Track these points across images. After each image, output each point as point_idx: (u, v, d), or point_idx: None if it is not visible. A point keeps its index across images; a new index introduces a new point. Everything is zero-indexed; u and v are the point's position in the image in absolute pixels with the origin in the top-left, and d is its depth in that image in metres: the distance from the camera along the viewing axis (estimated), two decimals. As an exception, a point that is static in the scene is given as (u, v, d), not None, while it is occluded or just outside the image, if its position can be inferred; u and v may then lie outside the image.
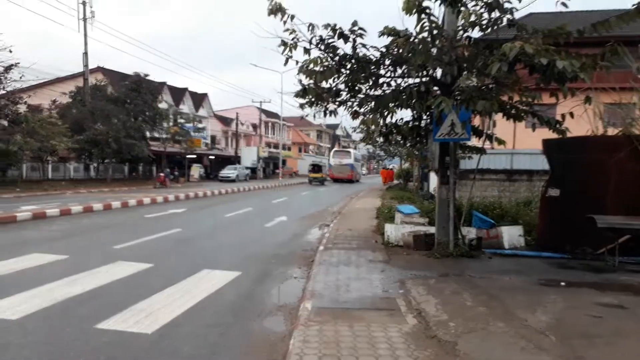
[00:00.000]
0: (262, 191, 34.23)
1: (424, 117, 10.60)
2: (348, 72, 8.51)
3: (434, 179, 28.16)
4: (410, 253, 9.55)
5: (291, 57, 7.61)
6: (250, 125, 68.90)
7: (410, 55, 7.48)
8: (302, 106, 9.91)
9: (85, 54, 38.68)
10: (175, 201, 22.17)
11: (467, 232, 9.91)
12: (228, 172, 46.83)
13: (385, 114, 8.81)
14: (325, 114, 9.66)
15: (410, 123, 10.89)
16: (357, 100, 9.89)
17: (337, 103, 9.62)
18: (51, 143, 26.63)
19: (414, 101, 8.57)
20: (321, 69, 8.14)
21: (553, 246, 9.33)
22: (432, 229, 10.65)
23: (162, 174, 35.09)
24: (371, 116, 8.26)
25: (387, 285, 6.90)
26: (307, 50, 7.63)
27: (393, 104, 8.51)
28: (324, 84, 8.64)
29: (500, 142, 10.22)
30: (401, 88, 8.81)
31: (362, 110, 10.31)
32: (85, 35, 38.53)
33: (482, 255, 9.11)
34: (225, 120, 64.35)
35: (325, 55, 8.00)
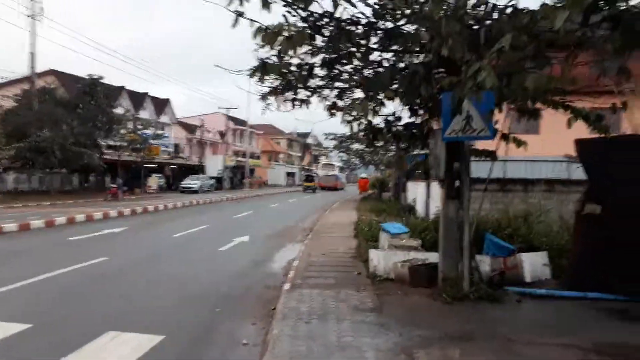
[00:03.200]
0: (225, 203, 31.34)
1: (419, 111, 8.29)
2: (326, 39, 5.99)
3: (412, 190, 25.97)
4: (407, 292, 7.05)
5: (242, 14, 5.00)
6: (217, 133, 65.67)
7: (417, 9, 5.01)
8: (264, 97, 7.39)
9: (32, 54, 35.18)
10: (118, 217, 19.09)
11: (478, 263, 7.48)
12: (190, 182, 43.62)
13: (379, 101, 6.33)
14: (293, 104, 7.14)
15: (403, 119, 8.54)
16: (336, 89, 7.45)
17: (309, 90, 7.12)
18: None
19: (417, 85, 6.11)
20: (287, 35, 5.58)
21: (594, 282, 6.97)
22: (431, 257, 8.20)
23: (113, 186, 31.78)
24: (360, 103, 5.72)
25: (389, 363, 4.38)
26: (266, 3, 5.04)
27: (389, 88, 6.04)
28: (292, 58, 6.11)
29: (520, 143, 7.84)
30: (401, 66, 6.36)
31: (341, 102, 7.82)
32: (34, 33, 35.11)
33: (506, 297, 6.68)
34: (189, 128, 60.97)
35: (293, 11, 5.44)
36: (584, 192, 7.58)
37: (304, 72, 6.39)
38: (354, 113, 7.07)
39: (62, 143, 29.46)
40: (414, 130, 8.39)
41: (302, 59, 6.29)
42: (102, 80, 37.04)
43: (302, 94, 7.13)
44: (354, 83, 7.18)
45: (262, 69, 5.73)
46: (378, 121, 8.29)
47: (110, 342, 5.08)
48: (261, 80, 6.00)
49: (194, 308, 6.58)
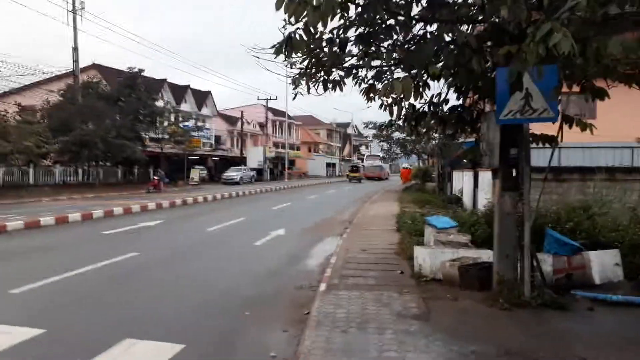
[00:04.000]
0: (264, 195, 31.05)
1: (469, 92, 7.43)
2: (360, 9, 5.23)
3: (458, 180, 24.73)
4: (458, 296, 6.25)
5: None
6: (257, 125, 65.73)
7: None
8: (294, 81, 6.70)
9: (75, 48, 35.80)
10: (156, 210, 18.94)
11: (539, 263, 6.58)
12: (231, 174, 43.67)
13: (424, 78, 5.54)
14: (325, 87, 6.42)
15: (449, 102, 7.68)
16: (373, 68, 6.68)
17: (343, 69, 6.38)
18: (24, 144, 23.65)
19: (468, 59, 5.27)
20: (315, 3, 4.87)
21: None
22: (483, 255, 7.36)
23: (155, 178, 32.03)
24: (401, 81, 4.93)
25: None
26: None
27: (435, 63, 5.23)
28: (322, 33, 5.39)
29: (585, 126, 6.83)
30: (447, 40, 5.52)
31: (380, 85, 7.04)
32: (75, 28, 35.73)
33: (575, 303, 5.77)
34: (230, 120, 61.25)
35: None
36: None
37: (336, 49, 5.65)
38: (394, 95, 6.27)
39: (104, 136, 29.84)
40: (462, 114, 7.54)
41: (333, 34, 5.56)
42: (142, 74, 37.47)
43: (335, 74, 6.38)
44: (394, 61, 6.38)
45: (287, 46, 5.04)
46: (421, 105, 7.53)
47: (126, 353, 4.57)
48: (287, 58, 5.31)
49: (221, 311, 6.04)
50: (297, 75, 6.63)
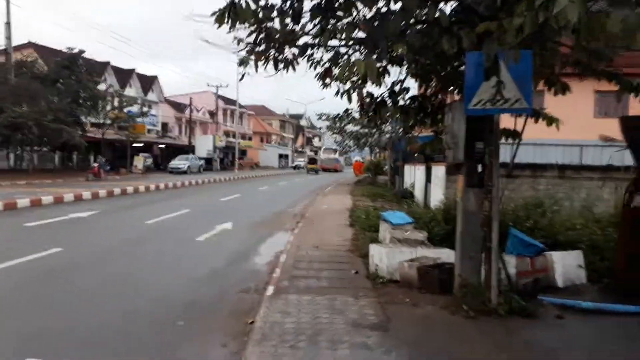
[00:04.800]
0: (213, 185, 29.87)
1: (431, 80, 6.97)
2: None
3: (410, 174, 24.56)
4: (417, 301, 5.73)
5: None
6: (206, 113, 63.78)
7: None
8: (242, 61, 5.92)
9: (8, 23, 33.20)
10: (91, 200, 17.52)
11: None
12: (178, 162, 41.98)
13: (383, 64, 4.93)
14: (276, 65, 5.70)
15: (409, 90, 7.19)
16: (331, 48, 6.03)
17: (297, 46, 5.69)
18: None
19: (436, 39, 4.69)
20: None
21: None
22: (443, 255, 6.91)
23: (95, 165, 30.18)
24: (364, 60, 4.27)
25: None
26: None
27: (400, 40, 4.61)
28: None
29: (552, 120, 6.46)
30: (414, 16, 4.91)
31: (337, 69, 6.40)
32: (8, 1, 33.06)
33: (542, 310, 5.37)
34: (178, 107, 59.09)
35: None
36: (632, 181, 6.25)
37: (288, 21, 4.95)
38: (355, 77, 5.65)
39: (39, 119, 27.72)
40: (423, 104, 7.03)
41: (285, 3, 4.85)
42: (84, 55, 35.21)
43: (288, 52, 5.67)
44: (353, 41, 5.75)
45: (230, 13, 4.29)
46: (380, 93, 6.96)
47: (24, 379, 3.72)
48: (231, 28, 4.55)
49: (150, 323, 5.22)
50: (245, 53, 5.88)
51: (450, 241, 8.01)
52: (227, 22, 4.39)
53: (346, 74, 6.35)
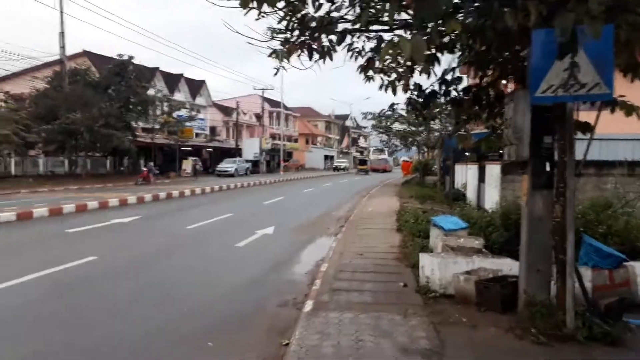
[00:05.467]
0: (258, 188, 29.71)
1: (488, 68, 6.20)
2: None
3: (461, 174, 23.37)
4: (476, 321, 4.98)
5: None
6: (253, 116, 64.25)
7: None
8: (273, 53, 5.40)
9: (62, 33, 34.37)
10: (136, 204, 17.53)
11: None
12: (226, 165, 42.28)
13: (436, 42, 4.22)
14: (310, 55, 5.11)
15: (462, 80, 6.48)
16: (372, 33, 5.42)
17: (334, 32, 5.08)
18: (1, 133, 22.30)
19: (496, 15, 3.96)
20: None
21: None
22: (504, 266, 6.11)
23: (144, 169, 30.70)
24: (412, 39, 3.60)
25: None
26: None
27: (453, 18, 3.90)
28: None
29: (632, 110, 5.50)
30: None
31: (378, 58, 5.76)
32: (62, 12, 34.25)
33: (629, 335, 4.50)
34: (225, 110, 59.74)
35: None
36: None
37: (322, 0, 4.35)
38: (400, 60, 4.98)
39: (91, 125, 28.45)
40: (479, 95, 6.26)
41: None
42: (133, 61, 36.01)
43: (325, 39, 5.07)
44: (398, 24, 5.09)
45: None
46: (428, 85, 6.25)
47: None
48: (259, 12, 4.00)
49: (178, 340, 4.76)
50: (278, 45, 5.34)
51: (511, 250, 7.19)
52: (253, 3, 3.83)
53: (388, 59, 5.74)
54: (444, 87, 6.11)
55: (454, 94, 6.16)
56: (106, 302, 5.94)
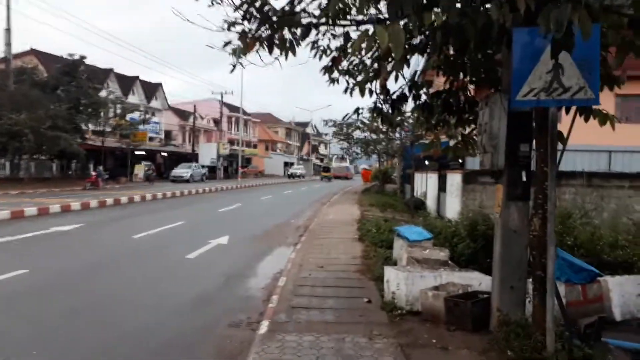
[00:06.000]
0: (214, 194, 28.79)
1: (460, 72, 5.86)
2: None
3: (421, 182, 23.34)
4: (447, 342, 4.59)
5: None
6: (211, 120, 62.91)
7: None
8: (234, 51, 4.88)
9: (8, 30, 32.44)
10: (80, 211, 16.37)
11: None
12: (180, 171, 40.90)
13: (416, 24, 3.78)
14: (271, 48, 4.62)
15: (432, 84, 6.18)
16: (340, 29, 5.02)
17: (298, 25, 4.62)
18: None
19: (478, 4, 3.59)
20: None
21: None
22: (473, 280, 5.77)
23: (93, 173, 29.23)
24: (390, 27, 3.13)
25: None
26: None
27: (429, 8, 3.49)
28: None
29: (606, 119, 5.26)
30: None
31: (351, 46, 5.35)
32: (9, 7, 32.37)
33: (610, 357, 4.19)
34: (182, 114, 58.21)
35: None
36: None
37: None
38: (371, 51, 4.52)
39: (36, 127, 26.80)
40: (449, 100, 5.92)
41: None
42: (86, 62, 34.41)
43: (287, 33, 4.57)
44: (367, 20, 4.66)
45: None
46: (396, 89, 5.88)
47: None
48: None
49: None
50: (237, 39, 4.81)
51: (479, 262, 6.89)
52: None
53: (354, 60, 5.32)
54: (413, 91, 5.77)
55: (423, 98, 5.82)
56: (32, 324, 5.17)
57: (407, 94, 5.67)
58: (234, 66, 5.28)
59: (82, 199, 18.43)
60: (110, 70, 42.92)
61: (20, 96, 28.62)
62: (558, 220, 8.33)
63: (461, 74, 5.78)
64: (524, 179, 4.72)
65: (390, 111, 6.06)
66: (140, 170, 38.05)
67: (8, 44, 32.43)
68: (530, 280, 4.59)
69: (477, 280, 5.78)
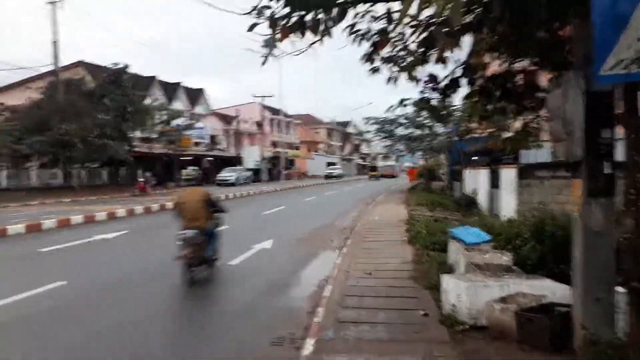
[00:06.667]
0: (259, 197, 28.68)
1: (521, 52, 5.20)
2: None
3: (472, 179, 22.22)
4: (522, 366, 3.91)
5: None
6: (254, 124, 63.37)
7: None
8: (267, 44, 4.44)
9: (55, 42, 33.58)
10: (126, 217, 16.43)
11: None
12: (226, 174, 41.24)
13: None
14: (302, 32, 4.12)
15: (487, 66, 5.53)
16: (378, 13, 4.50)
17: (333, 6, 4.09)
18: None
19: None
20: None
21: None
22: (546, 289, 5.05)
23: (141, 180, 29.75)
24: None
25: None
26: None
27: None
28: None
29: None
30: None
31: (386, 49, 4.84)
32: (55, 20, 33.49)
33: None
34: (226, 119, 58.83)
35: None
36: None
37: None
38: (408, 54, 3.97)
39: (84, 135, 27.53)
40: (506, 84, 5.25)
41: None
42: (130, 70, 35.17)
43: (323, 16, 4.05)
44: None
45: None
46: (446, 75, 5.24)
47: None
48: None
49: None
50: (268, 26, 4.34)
51: (548, 267, 6.15)
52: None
53: (398, 43, 4.76)
54: (467, 75, 5.11)
55: (480, 82, 5.16)
56: (65, 345, 4.87)
57: (460, 78, 5.02)
58: (266, 58, 4.81)
59: (128, 205, 18.57)
60: (154, 77, 43.80)
61: (68, 107, 29.49)
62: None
63: (520, 54, 5.12)
64: (607, 170, 4.00)
65: (440, 100, 5.46)
66: (188, 174, 38.48)
67: (56, 56, 33.62)
68: (621, 290, 3.90)
69: (550, 290, 5.05)
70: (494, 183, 16.18)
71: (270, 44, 4.56)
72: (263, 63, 5.18)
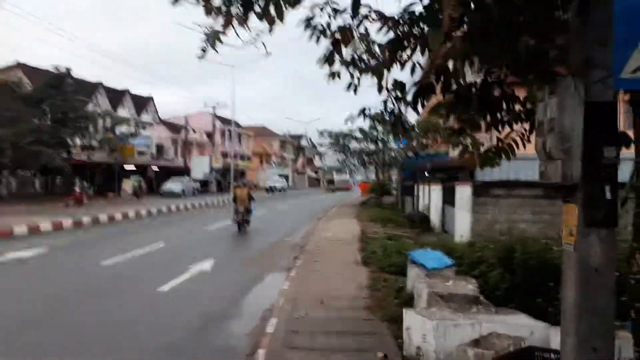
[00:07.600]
0: (204, 210, 27.28)
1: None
2: None
3: (424, 195, 21.90)
4: None
5: None
6: (203, 134, 61.51)
7: None
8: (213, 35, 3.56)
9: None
10: (51, 231, 14.73)
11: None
12: (171, 185, 39.33)
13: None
14: (246, 14, 3.28)
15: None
16: None
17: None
18: None
19: None
20: None
21: None
22: (522, 328, 4.37)
23: (77, 189, 27.72)
24: None
25: None
26: None
27: None
28: None
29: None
30: None
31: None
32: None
33: None
34: (174, 128, 56.75)
35: None
36: None
37: None
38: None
39: (16, 141, 25.34)
40: (487, 93, 4.60)
41: None
42: (74, 75, 33.06)
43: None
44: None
45: None
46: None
47: None
48: None
49: None
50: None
51: (518, 298, 5.50)
52: None
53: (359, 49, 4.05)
54: (441, 80, 4.41)
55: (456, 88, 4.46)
56: None
57: (435, 83, 4.30)
58: (204, 50, 3.92)
59: (58, 217, 16.87)
60: (99, 83, 41.58)
61: (1, 110, 27.21)
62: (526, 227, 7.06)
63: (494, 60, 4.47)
64: (609, 196, 3.35)
65: (409, 107, 4.72)
66: (128, 185, 36.46)
67: (-10, 57, 31.15)
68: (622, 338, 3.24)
69: (527, 329, 4.38)
70: (447, 200, 15.80)
71: (210, 35, 3.70)
72: (201, 57, 4.26)
